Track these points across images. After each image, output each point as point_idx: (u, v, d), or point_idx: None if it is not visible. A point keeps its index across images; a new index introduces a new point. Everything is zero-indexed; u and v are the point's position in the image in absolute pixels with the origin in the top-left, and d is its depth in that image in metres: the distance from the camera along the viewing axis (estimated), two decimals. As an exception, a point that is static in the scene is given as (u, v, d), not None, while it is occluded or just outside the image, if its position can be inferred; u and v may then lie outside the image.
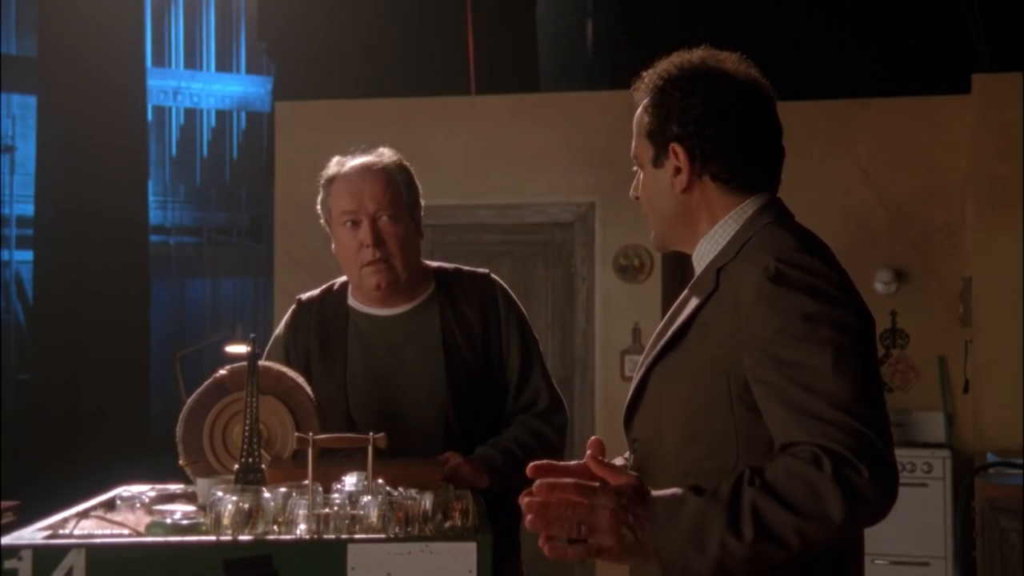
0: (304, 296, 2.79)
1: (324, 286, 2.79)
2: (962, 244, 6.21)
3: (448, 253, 6.46)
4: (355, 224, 2.62)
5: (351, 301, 2.71)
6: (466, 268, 2.81)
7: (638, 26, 8.03)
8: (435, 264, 2.79)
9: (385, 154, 2.71)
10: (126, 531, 1.98)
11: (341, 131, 6.37)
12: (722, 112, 1.79)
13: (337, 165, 2.69)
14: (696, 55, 1.88)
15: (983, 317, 5.96)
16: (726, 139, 1.79)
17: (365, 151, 2.73)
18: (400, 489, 2.01)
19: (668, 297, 6.32)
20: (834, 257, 1.83)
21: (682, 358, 1.81)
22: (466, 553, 1.81)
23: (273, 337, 2.76)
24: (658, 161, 1.87)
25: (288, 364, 2.62)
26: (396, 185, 2.65)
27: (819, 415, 1.61)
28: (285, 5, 7.87)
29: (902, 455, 5.97)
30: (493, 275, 2.80)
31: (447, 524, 1.93)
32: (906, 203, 6.34)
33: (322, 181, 2.70)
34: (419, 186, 2.74)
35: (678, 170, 1.83)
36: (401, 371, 2.60)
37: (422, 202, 2.76)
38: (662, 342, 1.88)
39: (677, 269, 6.46)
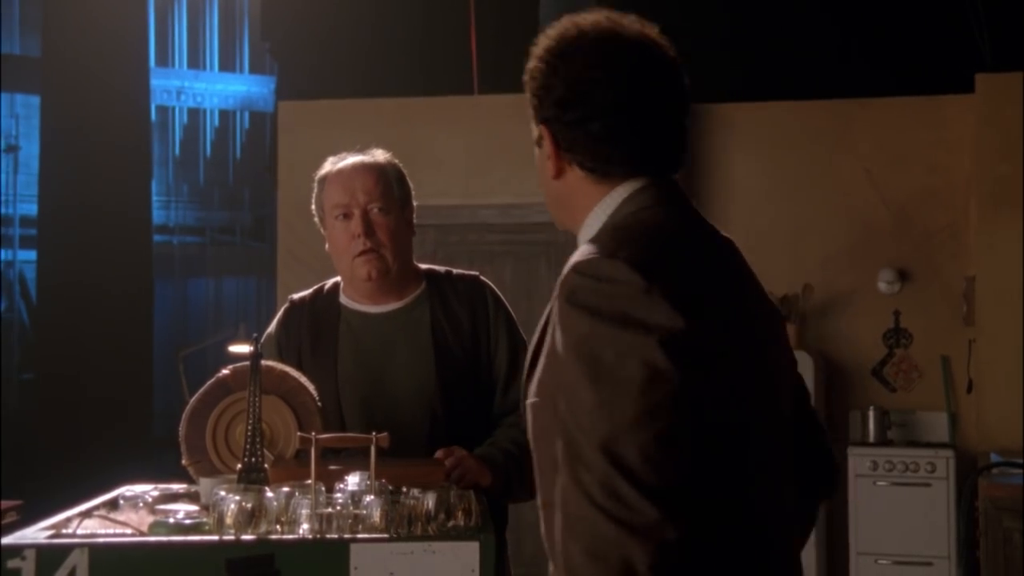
0: (296, 296, 2.81)
1: (316, 287, 2.81)
2: (965, 244, 6.21)
3: (450, 253, 6.46)
4: (347, 216, 2.65)
5: (343, 299, 2.74)
6: (456, 270, 2.84)
7: (641, 26, 8.03)
8: (425, 266, 2.81)
9: (378, 153, 2.75)
10: (129, 531, 1.98)
11: (344, 131, 6.37)
12: (586, 94, 1.56)
13: (330, 164, 2.73)
14: (589, 18, 1.62)
15: (986, 317, 5.95)
16: (590, 124, 1.57)
17: (359, 151, 2.75)
18: (403, 489, 2.01)
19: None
20: (665, 252, 1.53)
21: (534, 379, 1.60)
22: (469, 553, 1.81)
23: (265, 335, 2.77)
24: (539, 142, 1.71)
25: (281, 362, 2.63)
26: (387, 179, 2.69)
27: (581, 456, 1.40)
28: (288, 5, 7.87)
29: (906, 455, 5.98)
30: (483, 277, 2.82)
31: (450, 524, 1.93)
32: (909, 203, 6.34)
33: (316, 180, 2.72)
34: (411, 186, 2.77)
35: (548, 155, 1.67)
36: (392, 367, 2.61)
37: (414, 202, 2.77)
38: (528, 355, 1.65)
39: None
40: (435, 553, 1.82)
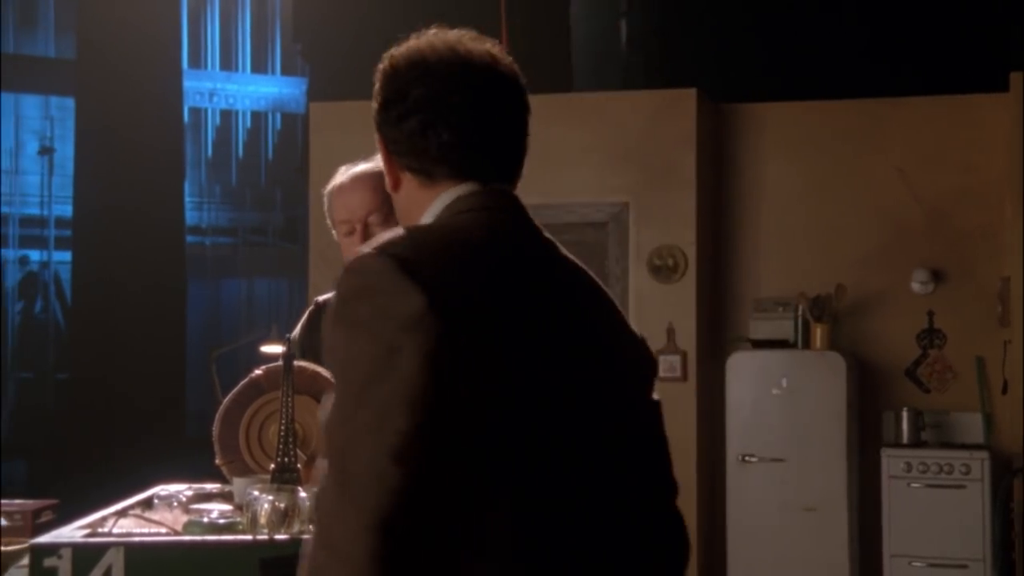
0: (321, 298, 2.85)
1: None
2: (1000, 244, 6.15)
3: (482, 253, 6.46)
4: (351, 233, 2.68)
5: None
6: None
7: (672, 26, 8.01)
8: None
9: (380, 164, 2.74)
10: (163, 530, 1.99)
11: (374, 132, 6.38)
12: (404, 92, 1.59)
13: (338, 176, 2.76)
14: (423, 38, 1.67)
15: (1022, 317, 5.90)
16: (408, 121, 1.58)
17: (365, 158, 2.76)
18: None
19: (702, 297, 6.31)
20: (453, 255, 1.48)
21: None
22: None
23: (290, 337, 2.79)
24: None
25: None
26: (383, 190, 2.68)
27: (327, 451, 1.39)
28: (320, 7, 7.91)
29: (940, 457, 5.93)
30: None
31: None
32: (943, 202, 6.29)
33: (326, 192, 2.75)
34: None
35: (384, 164, 1.68)
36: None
37: None
38: None
39: (712, 269, 6.44)
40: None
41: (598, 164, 6.34)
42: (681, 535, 1.66)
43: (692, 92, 6.31)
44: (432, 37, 1.66)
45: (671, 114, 6.29)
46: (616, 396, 1.55)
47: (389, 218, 2.66)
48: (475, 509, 1.38)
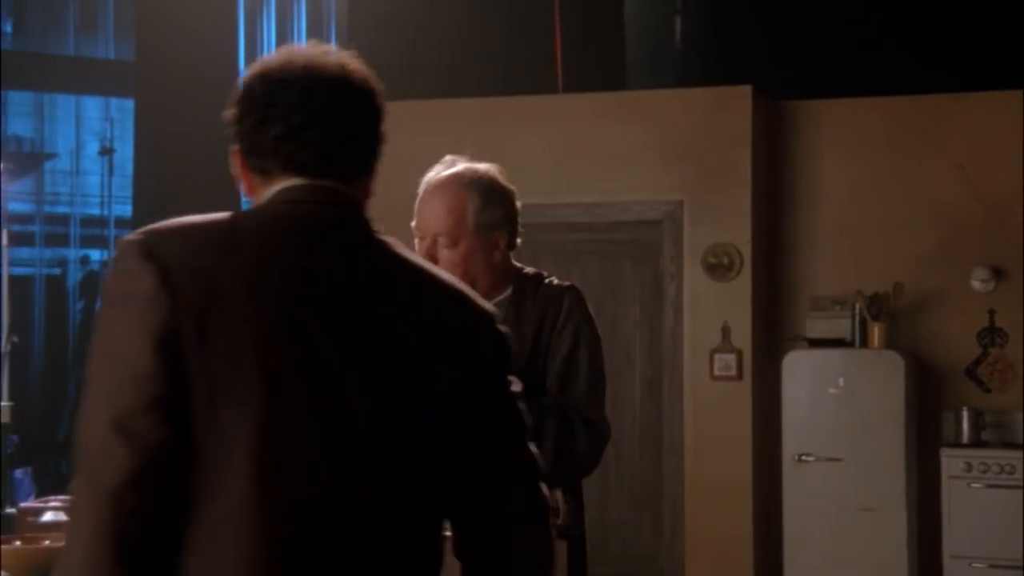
0: None
1: None
2: (1063, 241, 6.05)
3: (535, 252, 6.45)
4: (421, 239, 2.67)
5: None
6: (551, 279, 2.80)
7: (727, 23, 7.96)
8: (527, 269, 2.80)
9: (476, 170, 2.70)
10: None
11: (428, 132, 6.40)
12: (245, 94, 1.68)
13: (438, 167, 2.72)
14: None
15: (1085, 316, 5.81)
16: (245, 120, 1.66)
17: (468, 158, 2.74)
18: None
19: (758, 296, 6.26)
20: (210, 239, 1.54)
21: None
22: (557, 550, 1.81)
23: None
24: None
25: None
26: (462, 207, 2.65)
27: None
28: (374, 7, 7.94)
29: (1001, 457, 5.85)
30: (576, 289, 2.78)
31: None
32: (1004, 199, 6.20)
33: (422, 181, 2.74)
34: (507, 204, 2.72)
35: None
36: None
37: (518, 212, 2.75)
38: None
39: (767, 268, 6.39)
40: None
41: (652, 162, 6.31)
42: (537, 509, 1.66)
43: (747, 89, 6.26)
44: (284, 49, 1.75)
45: (726, 111, 6.25)
46: (402, 391, 1.55)
47: (459, 241, 2.63)
48: (209, 488, 1.42)
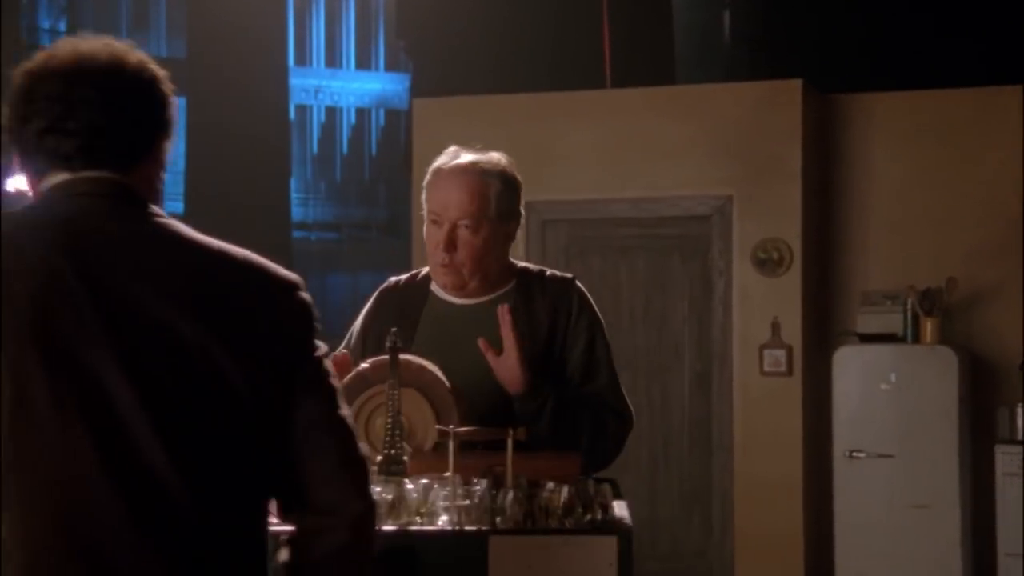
0: (393, 279, 2.85)
1: (412, 272, 2.84)
2: (1121, 235, 5.96)
3: (583, 248, 6.46)
4: (438, 224, 2.66)
5: (433, 286, 2.76)
6: (552, 271, 2.82)
7: (777, 16, 7.91)
8: (522, 264, 2.81)
9: (491, 159, 2.70)
10: (272, 520, 2.02)
11: (477, 126, 6.41)
12: (14, 99, 1.65)
13: (445, 157, 2.71)
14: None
15: None
16: (14, 120, 1.64)
17: (479, 150, 2.74)
18: (539, 482, 2.02)
19: (808, 291, 6.22)
20: None
21: None
22: (606, 547, 1.81)
23: (360, 315, 2.82)
24: None
25: (364, 341, 2.70)
26: (485, 194, 2.65)
27: None
28: (423, 3, 7.97)
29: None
30: (577, 281, 2.79)
31: (586, 517, 1.93)
32: (1060, 193, 6.11)
33: (430, 167, 2.73)
34: (519, 195, 2.74)
35: None
36: (464, 358, 2.61)
37: (522, 210, 2.76)
38: None
39: (817, 262, 6.35)
40: (573, 546, 1.83)
41: (701, 157, 6.29)
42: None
43: (797, 83, 6.22)
44: (58, 43, 1.69)
45: (776, 105, 6.21)
46: (183, 374, 1.55)
47: (481, 227, 2.64)
48: None
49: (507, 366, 2.52)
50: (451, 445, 2.09)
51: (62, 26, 13.11)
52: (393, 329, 2.36)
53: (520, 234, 6.60)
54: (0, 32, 6.76)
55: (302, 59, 13.91)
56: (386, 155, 13.98)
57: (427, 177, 2.72)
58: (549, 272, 2.80)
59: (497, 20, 7.56)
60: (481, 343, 2.53)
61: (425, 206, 2.71)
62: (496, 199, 2.65)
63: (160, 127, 1.68)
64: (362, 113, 14.69)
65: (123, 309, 1.55)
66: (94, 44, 1.66)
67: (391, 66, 14.27)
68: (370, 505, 1.64)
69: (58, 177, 1.63)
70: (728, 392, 6.22)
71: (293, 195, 11.27)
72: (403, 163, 8.41)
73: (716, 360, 6.27)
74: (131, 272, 1.57)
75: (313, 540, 1.61)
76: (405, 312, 2.73)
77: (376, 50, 14.39)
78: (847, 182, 6.40)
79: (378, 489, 1.96)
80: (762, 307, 6.16)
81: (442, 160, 2.71)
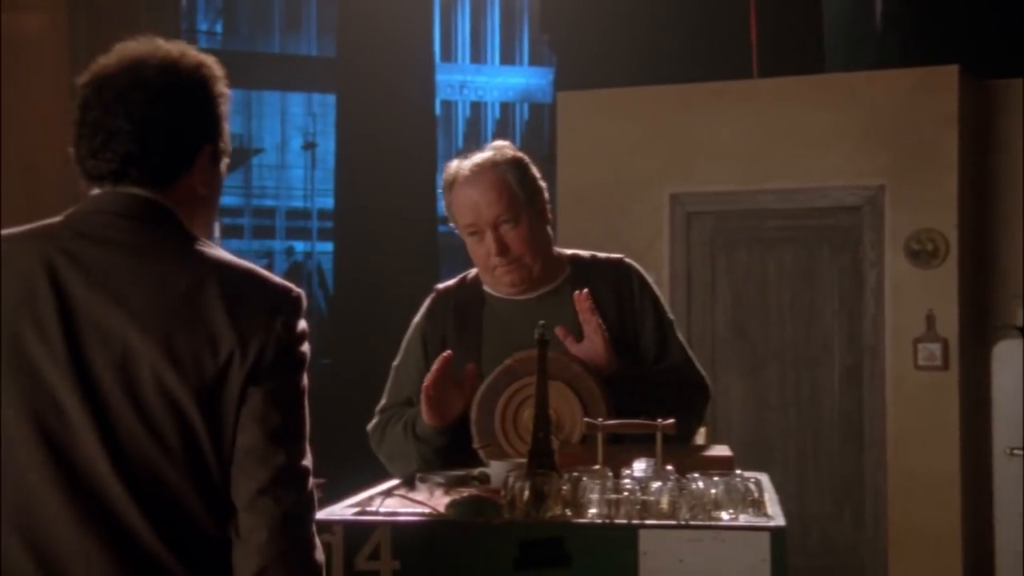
0: (441, 286, 2.83)
1: (460, 276, 2.82)
2: None
3: (728, 240, 6.39)
4: (478, 234, 2.64)
5: (486, 288, 2.74)
6: (600, 254, 2.79)
7: (928, 0, 7.68)
8: (569, 252, 2.79)
9: (496, 152, 2.68)
10: (427, 510, 2.07)
11: (622, 119, 6.41)
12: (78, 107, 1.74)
13: (453, 169, 2.68)
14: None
15: None
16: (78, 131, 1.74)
17: (481, 149, 2.72)
18: (691, 475, 2.01)
19: (965, 283, 6.04)
20: None
21: None
22: (760, 542, 1.80)
23: (412, 324, 2.81)
24: None
25: (425, 350, 2.70)
26: (508, 186, 2.62)
27: None
28: (566, -3, 7.99)
29: None
30: (628, 259, 2.78)
31: (739, 512, 1.92)
32: None
33: (442, 183, 2.72)
34: (536, 175, 2.70)
35: None
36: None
37: (543, 186, 2.71)
38: None
39: (975, 253, 6.15)
40: (725, 541, 1.81)
41: (852, 146, 6.16)
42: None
43: (954, 69, 6.03)
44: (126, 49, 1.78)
45: (931, 92, 6.04)
46: (133, 387, 1.62)
47: (520, 218, 2.62)
48: None
49: (593, 350, 2.52)
50: (600, 438, 2.09)
51: (219, 27, 13.53)
52: (541, 322, 2.37)
53: (664, 226, 6.58)
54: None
55: (448, 55, 14.05)
56: (530, 149, 13.98)
57: (445, 197, 2.70)
58: (600, 256, 2.78)
59: (642, 11, 7.52)
60: (559, 331, 2.53)
61: (456, 224, 2.69)
62: (519, 186, 2.64)
63: (202, 139, 1.77)
64: (506, 107, 14.77)
65: (85, 325, 1.63)
66: (142, 58, 1.73)
67: (535, 60, 14.32)
68: (285, 541, 1.64)
69: (94, 191, 1.74)
70: (880, 386, 6.09)
71: (439, 190, 11.40)
72: (547, 157, 8.44)
73: (867, 354, 6.14)
74: (99, 288, 1.65)
75: (237, 561, 1.65)
76: (464, 318, 2.72)
77: (520, 45, 14.45)
78: (1005, 170, 6.19)
79: (528, 481, 1.98)
80: (916, 300, 6.01)
81: (449, 175, 2.69)
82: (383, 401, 2.83)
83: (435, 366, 2.51)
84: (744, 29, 7.09)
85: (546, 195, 2.73)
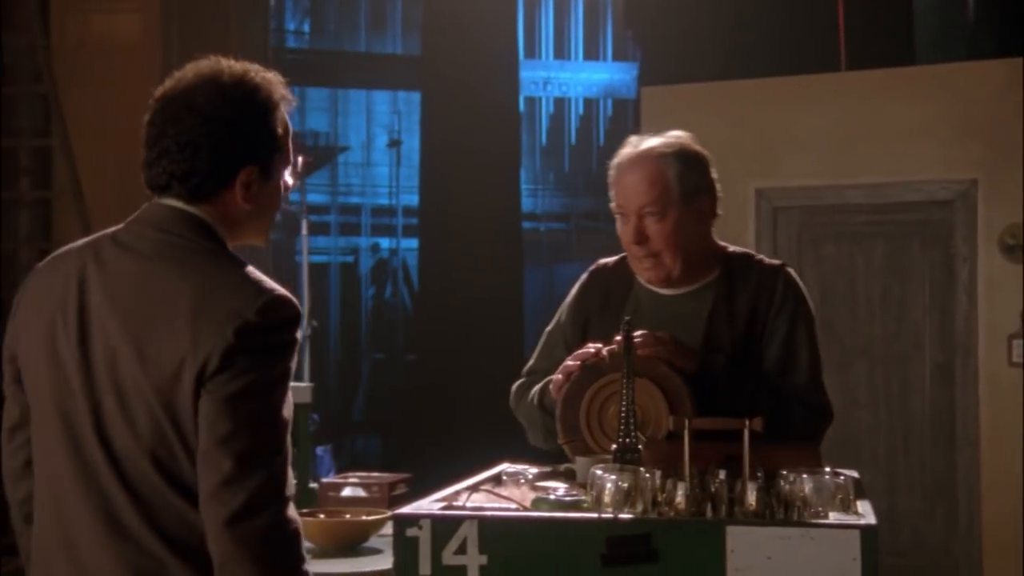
0: (603, 261, 2.83)
1: (622, 255, 2.79)
2: None
3: (815, 235, 6.32)
4: (625, 217, 2.62)
5: (637, 274, 2.73)
6: (762, 258, 2.72)
7: (1025, -11, 7.50)
8: (732, 249, 2.73)
9: (667, 141, 2.64)
10: (513, 505, 2.08)
11: (707, 114, 6.36)
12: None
13: (626, 148, 2.67)
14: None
15: None
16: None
17: (655, 133, 2.69)
18: (778, 473, 1.99)
19: (1061, 278, 5.90)
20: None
21: None
22: (850, 540, 1.77)
23: (571, 292, 2.83)
24: None
25: (572, 320, 2.72)
26: (664, 177, 2.58)
27: None
28: (650, -8, 7.95)
29: None
30: (788, 268, 2.69)
31: (828, 510, 1.90)
32: None
33: (611, 162, 2.70)
34: (704, 170, 2.65)
35: None
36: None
37: (715, 186, 2.66)
38: None
39: (1071, 248, 6.01)
40: (814, 539, 1.79)
41: (943, 140, 6.05)
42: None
43: (1048, 60, 5.90)
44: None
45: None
46: (123, 385, 1.80)
47: (667, 212, 2.58)
48: None
49: (664, 343, 2.50)
50: (687, 434, 2.08)
51: (306, 26, 13.70)
52: (627, 319, 2.36)
53: (750, 222, 6.50)
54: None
55: (531, 51, 14.06)
56: (614, 145, 13.93)
57: (611, 173, 2.69)
58: (758, 258, 2.71)
59: (727, 4, 7.46)
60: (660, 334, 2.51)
61: (612, 203, 2.68)
62: (677, 180, 2.59)
63: (244, 161, 1.88)
64: (590, 103, 14.74)
65: (93, 326, 1.83)
66: (198, 83, 1.88)
67: (619, 55, 14.26)
68: (231, 542, 1.73)
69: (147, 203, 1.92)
70: (973, 383, 5.97)
71: (523, 186, 11.41)
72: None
73: (959, 350, 6.03)
74: (108, 292, 1.84)
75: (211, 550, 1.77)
76: (609, 301, 2.72)
77: (604, 40, 14.41)
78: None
79: (614, 477, 1.98)
80: (1010, 295, 5.88)
81: (622, 152, 2.68)
82: (530, 363, 2.85)
83: (580, 353, 2.51)
84: (832, 21, 6.99)
85: (717, 195, 2.67)
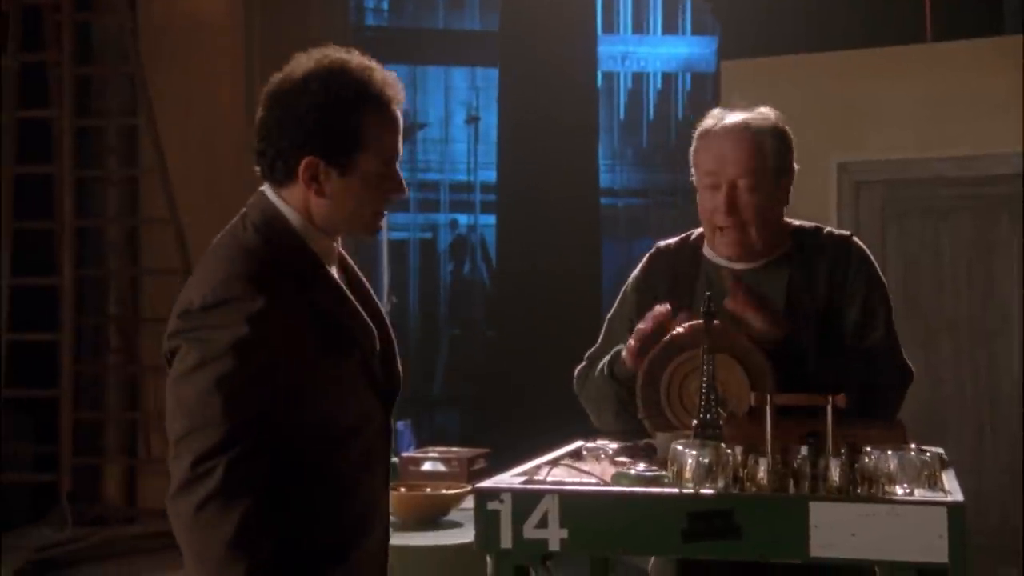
0: (663, 243, 2.82)
1: (683, 235, 2.80)
2: None
3: (900, 210, 6.21)
4: (715, 187, 2.60)
5: (705, 251, 2.71)
6: (830, 229, 2.73)
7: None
8: (797, 223, 2.72)
9: (762, 115, 2.64)
10: (593, 480, 2.08)
11: (788, 88, 6.27)
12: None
13: (712, 119, 2.66)
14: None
15: None
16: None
17: (745, 108, 2.67)
18: (862, 449, 1.97)
19: None
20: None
21: None
22: (935, 518, 1.75)
23: (630, 278, 2.82)
24: None
25: (637, 304, 2.69)
26: (763, 151, 2.59)
27: None
28: (731, -36, 7.85)
29: None
30: (855, 238, 2.70)
31: (913, 487, 1.87)
32: None
33: (695, 132, 2.68)
34: (791, 151, 2.65)
35: None
36: (740, 324, 2.54)
37: (794, 168, 2.66)
38: None
39: None
40: (899, 516, 1.77)
41: (1032, 110, 5.90)
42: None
43: None
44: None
45: (1120, 52, 5.75)
46: None
47: (761, 184, 2.58)
48: None
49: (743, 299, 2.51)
50: (768, 410, 2.07)
51: (385, 4, 13.77)
52: (708, 294, 2.35)
53: (831, 195, 6.42)
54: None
55: (609, 26, 13.98)
56: (693, 120, 13.88)
57: (694, 142, 2.67)
58: (827, 230, 2.73)
59: (807, -23, 7.35)
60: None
61: (695, 172, 2.66)
62: (772, 155, 2.60)
63: (304, 152, 1.93)
64: (668, 78, 14.65)
65: None
66: (287, 78, 1.96)
67: (698, 29, 14.14)
68: (170, 511, 1.84)
69: None
70: (1060, 362, 5.85)
71: (601, 162, 11.37)
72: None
73: (1050, 327, 5.91)
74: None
75: None
76: (679, 279, 2.72)
77: (683, 14, 14.29)
78: None
79: (695, 453, 1.97)
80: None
81: (708, 123, 2.66)
82: (592, 349, 2.86)
83: (654, 313, 2.52)
84: (918, -8, 6.86)
85: (793, 177, 2.68)
